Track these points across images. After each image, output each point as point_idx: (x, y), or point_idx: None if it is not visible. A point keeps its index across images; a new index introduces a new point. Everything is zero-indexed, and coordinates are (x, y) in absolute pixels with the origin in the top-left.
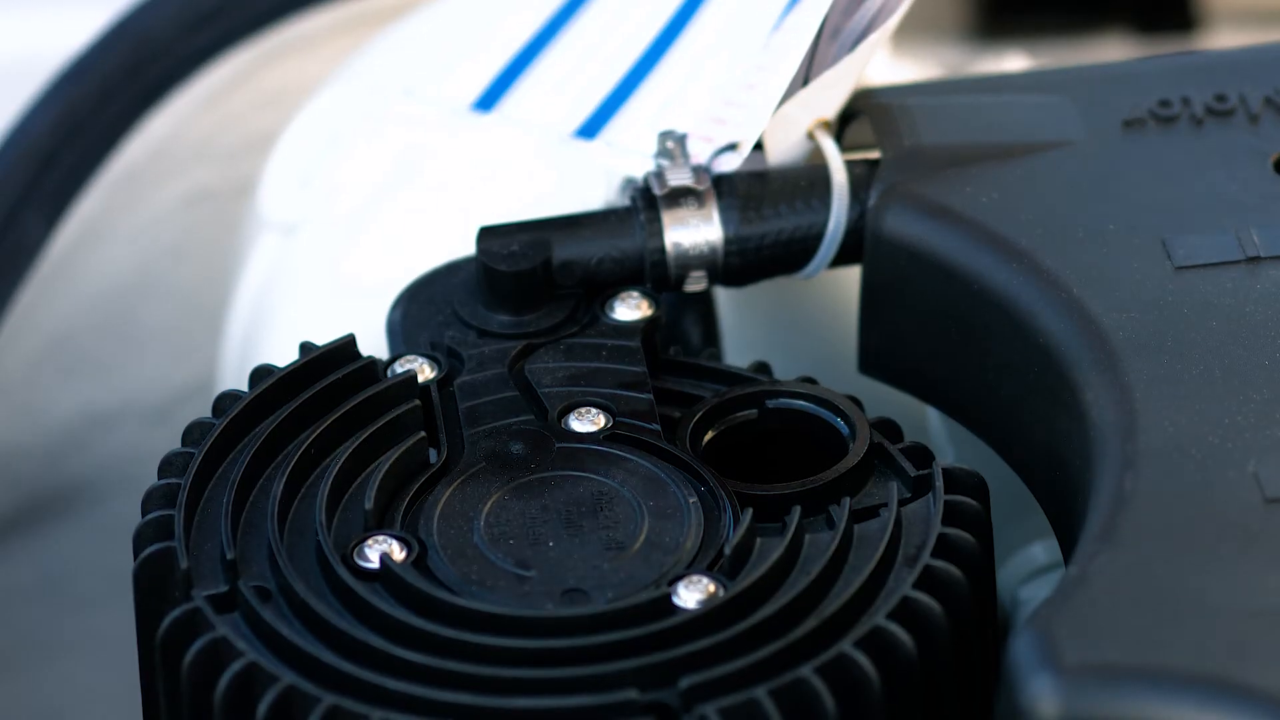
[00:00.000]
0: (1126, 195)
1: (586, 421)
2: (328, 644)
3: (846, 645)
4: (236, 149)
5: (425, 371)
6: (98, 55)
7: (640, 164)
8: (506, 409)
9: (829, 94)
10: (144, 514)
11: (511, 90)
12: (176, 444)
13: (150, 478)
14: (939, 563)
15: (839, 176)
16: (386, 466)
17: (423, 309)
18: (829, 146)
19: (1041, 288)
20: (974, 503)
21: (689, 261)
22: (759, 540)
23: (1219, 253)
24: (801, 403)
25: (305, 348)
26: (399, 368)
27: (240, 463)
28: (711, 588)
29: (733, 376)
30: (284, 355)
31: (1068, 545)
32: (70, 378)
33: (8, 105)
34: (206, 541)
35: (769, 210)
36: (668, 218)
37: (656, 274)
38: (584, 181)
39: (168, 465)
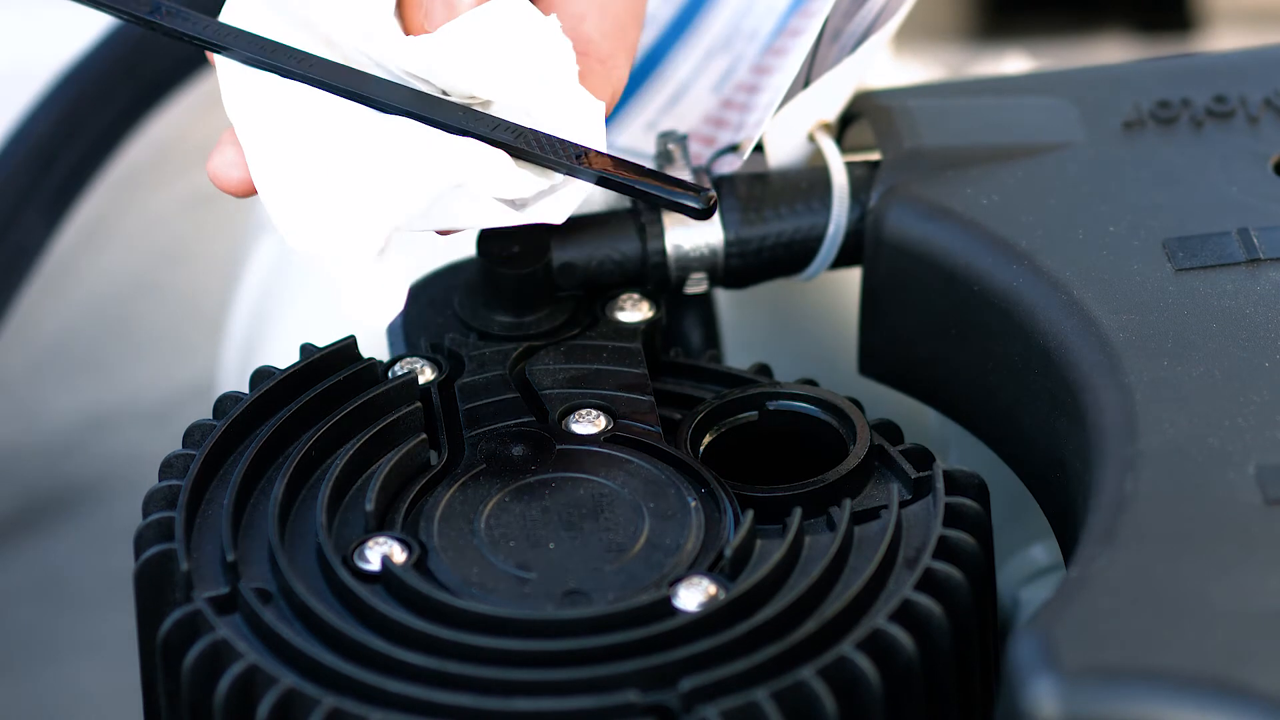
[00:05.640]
0: (1126, 197)
1: (587, 423)
2: (328, 645)
3: (847, 647)
4: None
5: (426, 373)
6: (98, 57)
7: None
8: (507, 411)
9: (830, 96)
10: (145, 515)
11: None
12: (177, 445)
13: (151, 479)
14: (939, 564)
15: (839, 178)
16: (387, 468)
17: (423, 311)
18: (829, 148)
19: (1042, 289)
20: (974, 504)
21: (689, 263)
22: (759, 542)
23: (1219, 254)
24: (802, 405)
25: (306, 349)
26: (400, 369)
27: (241, 464)
28: (712, 589)
29: (733, 378)
30: (285, 357)
31: (1068, 547)
32: (71, 379)
33: (8, 106)
34: (207, 543)
35: (769, 212)
36: (668, 220)
37: (657, 276)
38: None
39: (168, 467)
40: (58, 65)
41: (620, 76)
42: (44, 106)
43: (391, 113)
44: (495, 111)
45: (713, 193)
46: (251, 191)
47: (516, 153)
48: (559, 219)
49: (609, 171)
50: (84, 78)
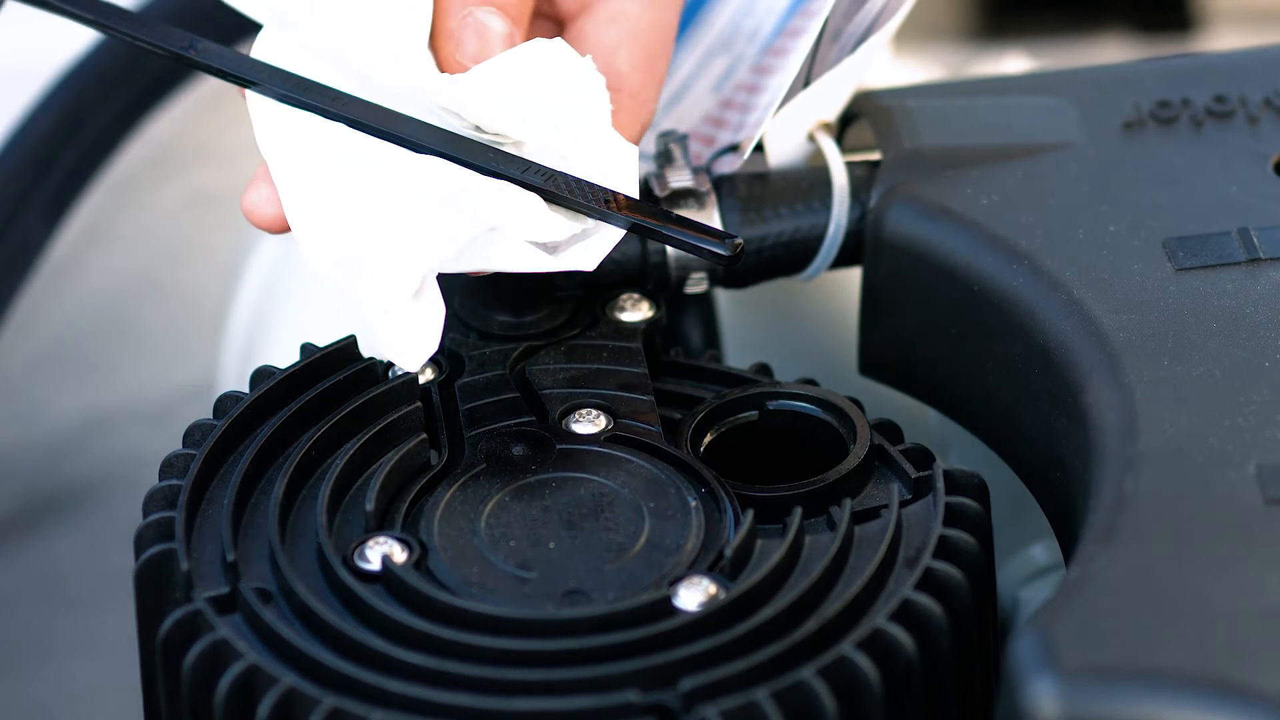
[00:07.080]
0: (1127, 197)
1: (587, 423)
2: (328, 645)
3: (847, 647)
4: (237, 151)
5: (426, 373)
6: (98, 57)
7: (641, 166)
8: (507, 410)
9: (830, 96)
10: (145, 515)
11: None
12: (177, 445)
13: (151, 479)
14: (939, 564)
15: (839, 178)
16: (387, 468)
17: None
18: (830, 148)
19: (1042, 289)
20: (974, 504)
21: (689, 263)
22: (760, 542)
23: (1219, 254)
24: (802, 404)
25: (307, 349)
26: (400, 369)
27: (241, 464)
28: (712, 589)
29: (733, 378)
30: (285, 357)
31: (1068, 547)
32: (71, 379)
33: (8, 106)
34: (208, 543)
35: (770, 212)
36: None
37: (657, 276)
38: None
39: (169, 466)
40: (58, 65)
41: (651, 110)
42: (44, 106)
43: (424, 153)
44: (527, 153)
45: (740, 240)
46: (287, 228)
47: (547, 196)
48: (591, 266)
49: (638, 217)
50: (84, 78)
